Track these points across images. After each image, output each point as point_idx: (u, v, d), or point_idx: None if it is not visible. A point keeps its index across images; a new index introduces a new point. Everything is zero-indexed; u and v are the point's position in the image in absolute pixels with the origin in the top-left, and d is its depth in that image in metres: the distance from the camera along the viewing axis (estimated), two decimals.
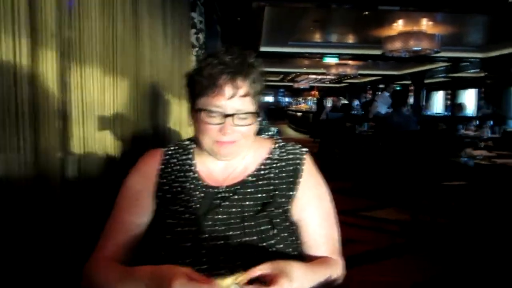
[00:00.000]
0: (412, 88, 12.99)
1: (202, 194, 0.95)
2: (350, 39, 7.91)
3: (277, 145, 1.03)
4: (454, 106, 9.01)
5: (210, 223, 0.89)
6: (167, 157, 1.02)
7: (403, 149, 4.52)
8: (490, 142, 4.67)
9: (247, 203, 0.93)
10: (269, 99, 23.99)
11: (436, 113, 12.85)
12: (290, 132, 14.32)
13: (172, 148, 1.04)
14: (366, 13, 5.23)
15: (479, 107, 10.55)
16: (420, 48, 5.96)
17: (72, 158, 1.00)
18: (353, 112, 9.51)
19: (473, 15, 5.53)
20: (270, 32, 6.97)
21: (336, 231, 1.00)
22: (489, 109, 8.35)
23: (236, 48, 0.94)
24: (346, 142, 6.63)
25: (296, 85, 19.97)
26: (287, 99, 24.54)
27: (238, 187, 0.95)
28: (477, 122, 6.32)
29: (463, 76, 11.40)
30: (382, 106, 7.53)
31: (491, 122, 6.10)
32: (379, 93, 11.95)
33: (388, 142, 5.04)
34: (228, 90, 0.88)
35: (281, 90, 23.59)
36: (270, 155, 1.01)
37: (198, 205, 0.93)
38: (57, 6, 0.90)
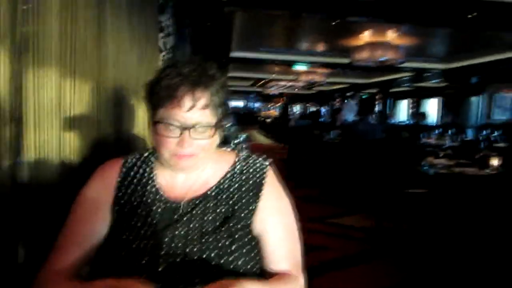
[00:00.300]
0: (378, 96, 13.39)
1: (162, 208, 0.91)
2: (320, 47, 8.05)
3: (239, 157, 1.01)
4: (417, 115, 9.33)
5: (168, 238, 0.86)
6: (127, 168, 0.98)
7: (369, 156, 4.62)
8: (450, 151, 4.86)
9: (208, 218, 0.90)
10: (240, 104, 24.06)
11: (401, 122, 13.26)
12: (260, 138, 14.35)
13: (132, 159, 1.00)
14: (335, 22, 5.33)
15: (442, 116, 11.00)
16: (386, 59, 6.15)
17: (25, 164, 0.94)
18: (321, 119, 9.66)
19: (435, 28, 5.78)
20: (242, 38, 6.98)
21: (298, 245, 0.98)
22: (450, 118, 8.73)
23: (197, 59, 0.92)
24: (314, 149, 6.72)
25: (266, 91, 20.10)
26: (258, 105, 24.66)
27: (199, 201, 0.92)
28: (440, 131, 6.57)
29: (426, 86, 11.86)
30: (349, 114, 7.70)
31: (452, 131, 6.36)
32: (347, 101, 12.22)
33: (354, 150, 5.15)
34: (187, 101, 0.85)
35: (252, 95, 23.69)
36: (232, 168, 0.99)
37: (157, 220, 0.89)
38: (11, 3, 0.84)
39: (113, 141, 1.45)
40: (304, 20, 5.54)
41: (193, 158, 0.89)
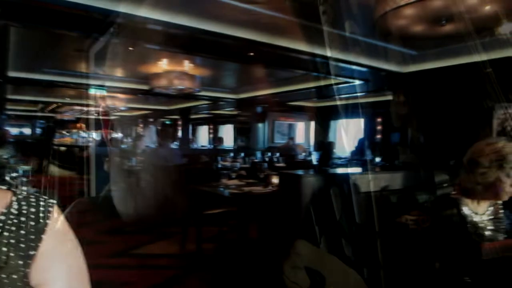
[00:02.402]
0: (180, 122, 13.92)
1: None
2: (119, 73, 7.82)
3: (16, 197, 0.85)
4: (215, 139, 10.11)
5: None
6: None
7: (170, 181, 4.71)
8: (243, 172, 5.44)
9: None
10: (26, 131, 20.88)
11: (203, 146, 14.12)
12: (53, 169, 12.65)
13: None
14: (132, 48, 5.30)
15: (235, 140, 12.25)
16: (183, 87, 6.46)
17: None
18: (123, 146, 9.34)
19: (224, 62, 6.48)
20: (23, 56, 6.11)
21: None
22: (242, 142, 9.84)
23: None
24: (116, 177, 6.39)
25: (59, 117, 18.06)
26: (50, 132, 21.82)
27: None
28: (234, 154, 7.28)
29: (222, 113, 13.04)
30: (151, 140, 7.70)
31: (243, 154, 7.16)
32: (149, 127, 12.22)
33: (155, 176, 5.16)
34: None
35: (42, 121, 20.84)
36: (6, 210, 0.82)
37: None
38: None
39: None
40: (98, 43, 5.28)
41: None
